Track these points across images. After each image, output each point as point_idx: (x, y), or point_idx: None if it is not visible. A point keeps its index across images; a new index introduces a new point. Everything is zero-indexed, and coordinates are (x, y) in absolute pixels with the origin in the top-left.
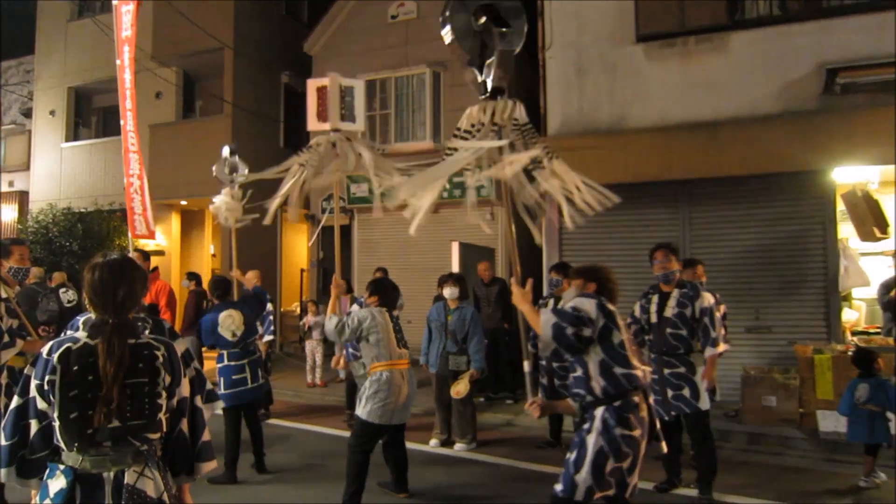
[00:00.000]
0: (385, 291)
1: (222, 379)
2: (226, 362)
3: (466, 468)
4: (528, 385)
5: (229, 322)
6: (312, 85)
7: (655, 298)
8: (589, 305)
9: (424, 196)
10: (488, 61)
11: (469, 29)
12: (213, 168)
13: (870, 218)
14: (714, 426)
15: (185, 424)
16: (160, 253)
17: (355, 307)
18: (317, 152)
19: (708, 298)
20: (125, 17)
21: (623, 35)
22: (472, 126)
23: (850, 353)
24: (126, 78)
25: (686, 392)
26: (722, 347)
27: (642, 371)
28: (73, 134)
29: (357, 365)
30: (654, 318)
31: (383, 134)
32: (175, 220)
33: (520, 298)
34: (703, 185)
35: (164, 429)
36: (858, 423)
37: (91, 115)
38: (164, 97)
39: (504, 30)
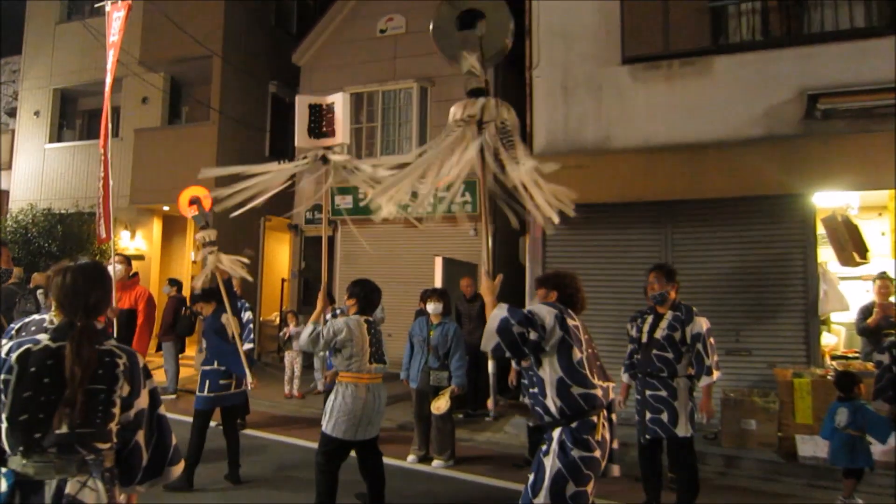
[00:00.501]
0: (366, 294)
1: (207, 381)
2: (215, 366)
3: (444, 485)
4: (491, 386)
5: (230, 325)
6: (303, 101)
7: (650, 319)
8: (546, 313)
9: (400, 184)
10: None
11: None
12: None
13: (849, 243)
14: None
15: (141, 437)
16: (140, 258)
17: (330, 317)
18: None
19: (702, 324)
20: (115, 22)
21: (609, 56)
22: (457, 122)
23: (829, 378)
24: (107, 82)
25: (664, 416)
26: (716, 375)
27: (603, 388)
28: (57, 135)
29: (332, 375)
30: (644, 338)
31: (369, 147)
32: (157, 225)
33: (486, 289)
34: (685, 207)
35: (115, 440)
36: (840, 446)
37: (76, 117)
38: (150, 102)
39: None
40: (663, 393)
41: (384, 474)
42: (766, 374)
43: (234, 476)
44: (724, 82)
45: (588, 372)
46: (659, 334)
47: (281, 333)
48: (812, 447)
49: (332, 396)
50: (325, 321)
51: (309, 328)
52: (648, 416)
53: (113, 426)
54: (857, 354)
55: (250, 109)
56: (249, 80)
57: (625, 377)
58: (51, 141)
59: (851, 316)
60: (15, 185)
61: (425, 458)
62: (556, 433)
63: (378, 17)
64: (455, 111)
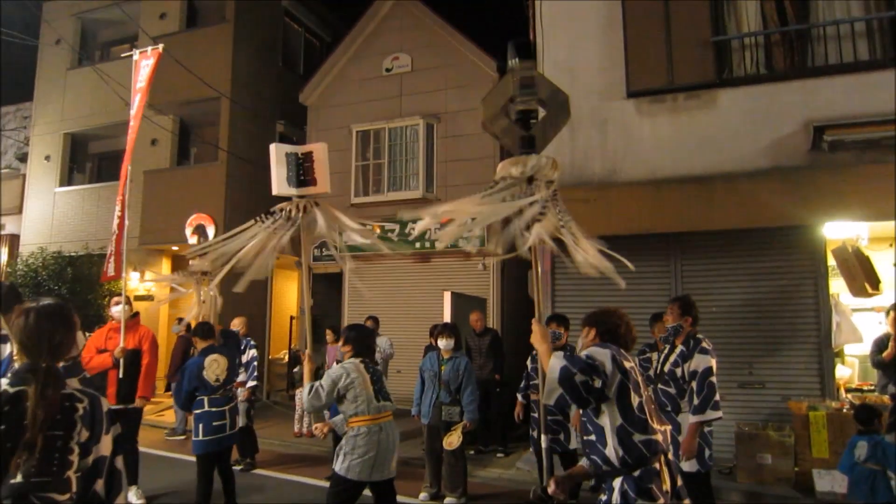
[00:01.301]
0: (359, 339)
1: (201, 425)
2: (206, 408)
3: None
4: (543, 460)
5: (214, 367)
6: (279, 150)
7: (666, 350)
8: (603, 356)
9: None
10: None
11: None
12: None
13: (861, 274)
14: None
15: (100, 485)
16: (149, 298)
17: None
18: (283, 217)
19: (702, 361)
20: (143, 70)
21: (614, 90)
22: (505, 179)
23: (845, 411)
24: (130, 125)
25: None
26: (709, 415)
27: (662, 433)
28: (68, 179)
29: (340, 421)
30: (655, 372)
31: (376, 183)
32: (166, 266)
33: (539, 337)
34: (694, 239)
35: (74, 489)
36: (859, 481)
37: (86, 160)
38: (159, 144)
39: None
40: (669, 428)
41: None
42: (781, 406)
43: None
44: (729, 115)
45: (648, 416)
46: (667, 367)
47: (294, 371)
48: (829, 482)
49: (344, 439)
50: (337, 360)
51: (305, 388)
52: None
53: (71, 474)
54: (872, 387)
55: (258, 149)
56: (257, 121)
57: None
58: (61, 184)
59: (865, 348)
60: (25, 229)
61: (437, 496)
62: (616, 483)
63: (384, 56)
64: (509, 167)
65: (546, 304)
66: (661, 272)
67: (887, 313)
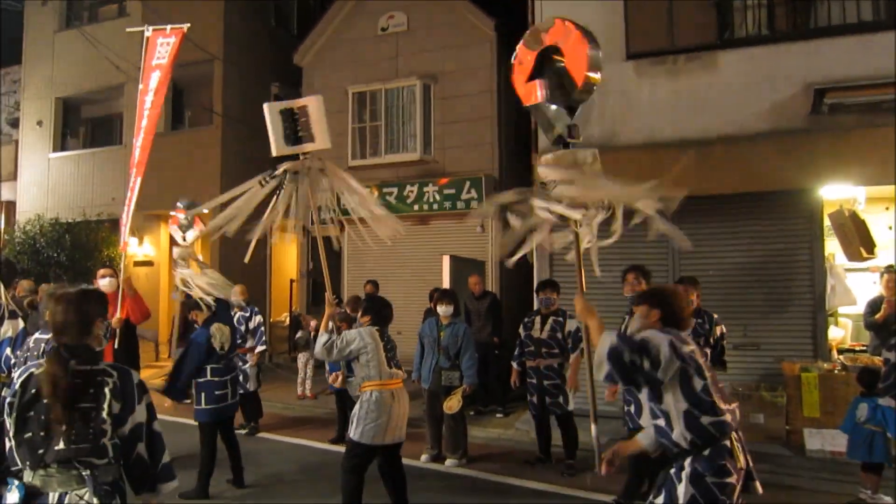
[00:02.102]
0: (378, 310)
1: (203, 394)
2: (209, 377)
3: (458, 484)
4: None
5: (220, 335)
6: (272, 108)
7: (627, 319)
8: (660, 342)
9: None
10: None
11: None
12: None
13: (856, 238)
14: None
15: (142, 448)
16: (149, 264)
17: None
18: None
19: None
20: (161, 48)
21: (613, 52)
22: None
23: (837, 371)
24: (147, 100)
25: (632, 408)
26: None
27: (731, 412)
28: (61, 144)
29: (354, 383)
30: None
31: (373, 145)
32: (164, 231)
33: (585, 312)
34: (691, 202)
35: (111, 454)
36: (859, 441)
37: (79, 125)
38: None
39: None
40: (736, 405)
41: (405, 476)
42: (775, 368)
43: (239, 480)
44: (730, 77)
45: (713, 398)
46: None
47: (297, 336)
48: (819, 441)
49: (357, 405)
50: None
51: (323, 337)
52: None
53: (107, 441)
54: (864, 348)
55: (253, 112)
56: (251, 83)
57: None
58: (55, 150)
59: (858, 309)
60: (21, 196)
61: (438, 457)
62: (687, 461)
63: (379, 15)
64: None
65: (545, 268)
66: (658, 236)
67: (881, 275)
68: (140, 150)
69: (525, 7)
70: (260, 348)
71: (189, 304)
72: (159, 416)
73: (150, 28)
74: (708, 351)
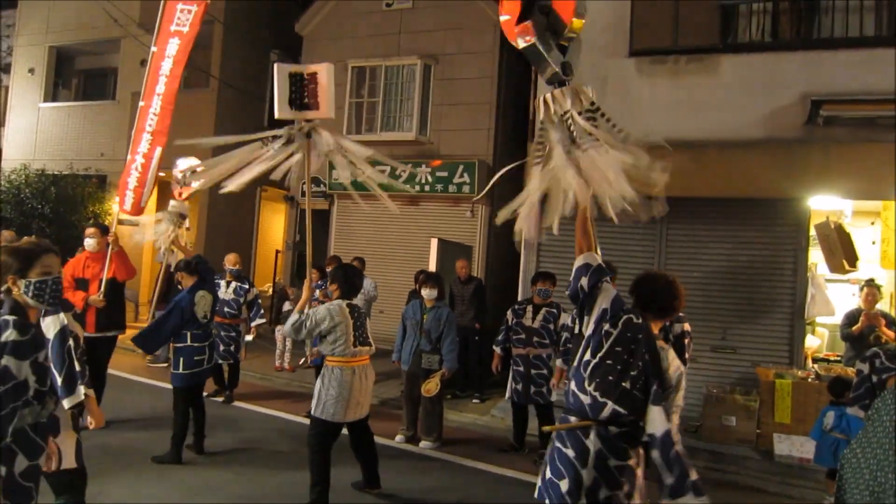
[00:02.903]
0: (347, 279)
1: (182, 359)
2: (189, 343)
3: (431, 466)
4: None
5: (203, 303)
6: (282, 70)
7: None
8: (610, 291)
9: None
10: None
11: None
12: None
13: (840, 250)
14: None
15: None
16: (135, 224)
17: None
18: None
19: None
20: (181, 14)
21: (616, 48)
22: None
23: (811, 380)
24: (165, 66)
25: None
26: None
27: (602, 405)
28: (52, 94)
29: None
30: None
31: (369, 122)
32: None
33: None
34: (682, 204)
35: None
36: (825, 448)
37: (72, 76)
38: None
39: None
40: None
41: (376, 452)
42: (750, 372)
43: (200, 447)
44: (729, 81)
45: (586, 379)
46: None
47: (285, 310)
48: (788, 446)
49: (319, 381)
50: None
51: (294, 316)
52: None
53: None
54: (838, 358)
55: (251, 78)
56: (251, 48)
57: (559, 363)
58: (46, 100)
59: (836, 320)
60: (8, 144)
61: (413, 439)
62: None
63: None
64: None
65: (532, 260)
66: (647, 234)
67: (861, 289)
68: (158, 117)
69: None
70: (260, 321)
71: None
72: (137, 377)
73: None
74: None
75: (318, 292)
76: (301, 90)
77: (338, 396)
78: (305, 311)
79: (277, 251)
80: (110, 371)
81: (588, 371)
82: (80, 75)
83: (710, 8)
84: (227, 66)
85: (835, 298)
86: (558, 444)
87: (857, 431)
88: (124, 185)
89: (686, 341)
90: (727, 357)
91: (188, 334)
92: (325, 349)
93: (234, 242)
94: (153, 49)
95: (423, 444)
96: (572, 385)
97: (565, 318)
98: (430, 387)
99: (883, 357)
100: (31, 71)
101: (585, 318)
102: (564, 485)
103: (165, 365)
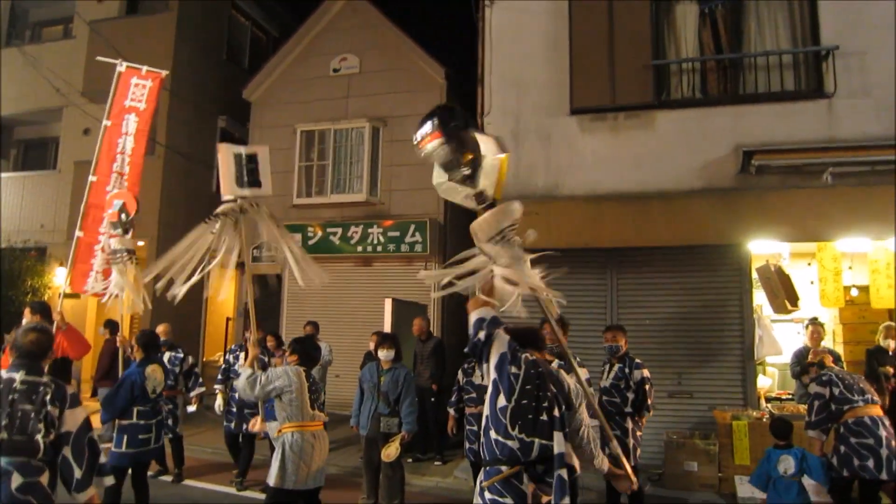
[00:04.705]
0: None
1: (125, 437)
2: (134, 420)
3: None
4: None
5: (154, 378)
6: (227, 150)
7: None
8: (504, 340)
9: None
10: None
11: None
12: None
13: (781, 291)
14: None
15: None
16: (75, 296)
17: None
18: (228, 218)
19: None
20: (135, 89)
21: (558, 107)
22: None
23: (765, 420)
24: (124, 144)
25: None
26: None
27: (529, 444)
28: None
29: (273, 425)
30: None
31: (319, 184)
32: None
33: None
34: (630, 254)
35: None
36: (783, 492)
37: (10, 146)
38: (92, 133)
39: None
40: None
41: None
42: (707, 416)
43: None
44: (666, 136)
45: (508, 424)
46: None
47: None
48: (750, 488)
49: (277, 450)
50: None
51: (247, 371)
52: None
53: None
54: (790, 396)
55: (198, 144)
56: (198, 114)
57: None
58: None
59: (784, 359)
60: None
61: None
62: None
63: (332, 56)
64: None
65: None
66: (598, 285)
67: (806, 327)
68: (125, 199)
69: (475, 59)
70: (199, 389)
71: (114, 340)
72: None
73: (125, 64)
74: (630, 395)
75: (274, 360)
76: (246, 169)
77: (298, 463)
78: (255, 367)
79: (228, 318)
80: None
81: (508, 416)
82: (20, 146)
83: (643, 67)
84: (174, 132)
85: (781, 338)
86: (493, 497)
87: (818, 472)
88: (75, 261)
89: (647, 387)
90: (684, 402)
91: (134, 411)
92: (281, 412)
93: (182, 310)
94: (106, 122)
95: None
96: (493, 434)
97: None
98: (390, 451)
99: (841, 386)
100: None
101: (485, 365)
102: None
103: (110, 444)
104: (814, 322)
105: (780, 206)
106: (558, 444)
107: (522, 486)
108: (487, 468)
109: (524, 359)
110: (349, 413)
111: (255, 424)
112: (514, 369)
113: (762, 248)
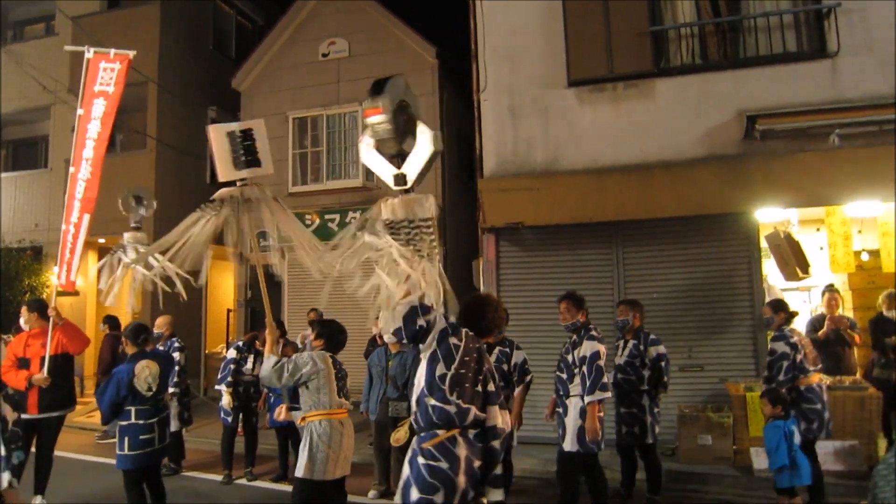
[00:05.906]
0: (332, 335)
1: (127, 439)
2: (133, 420)
3: None
4: None
5: (146, 373)
6: (218, 131)
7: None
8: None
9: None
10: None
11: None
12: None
13: (792, 258)
14: None
15: None
16: (75, 293)
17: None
18: (229, 204)
19: (589, 347)
20: (104, 73)
21: (555, 79)
22: (394, 222)
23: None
24: (92, 128)
25: (561, 431)
26: (598, 395)
27: (467, 411)
28: None
29: (298, 415)
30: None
31: (315, 171)
32: (92, 260)
33: None
34: (634, 226)
35: None
36: (802, 462)
37: (0, 147)
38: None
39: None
40: (560, 410)
41: None
42: (719, 388)
43: None
44: (666, 104)
45: (447, 389)
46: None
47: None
48: (766, 460)
49: (305, 439)
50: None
51: (272, 359)
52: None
53: None
54: None
55: (188, 136)
56: (187, 106)
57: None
58: None
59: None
60: None
61: (386, 493)
62: (415, 439)
63: (320, 41)
64: (397, 210)
65: (492, 292)
66: (604, 259)
67: (823, 294)
68: (87, 183)
69: (467, 35)
70: (171, 389)
71: (117, 336)
72: (85, 456)
73: (92, 50)
74: (646, 373)
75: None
76: (241, 148)
77: (329, 451)
78: (278, 352)
79: (229, 310)
80: (57, 453)
81: (447, 382)
82: (8, 145)
83: (641, 34)
84: (164, 126)
85: (792, 307)
86: (426, 461)
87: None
88: (62, 256)
89: (663, 364)
90: (695, 375)
91: (132, 410)
92: (307, 400)
93: (182, 302)
94: (79, 111)
95: (397, 498)
96: (432, 401)
97: (518, 357)
98: (399, 435)
99: (802, 354)
100: None
101: (422, 346)
102: (439, 497)
103: (115, 440)
104: (830, 289)
105: (786, 171)
106: (491, 416)
107: (456, 450)
108: (422, 434)
109: (465, 332)
110: (354, 400)
111: (281, 413)
112: (455, 340)
113: (769, 216)
